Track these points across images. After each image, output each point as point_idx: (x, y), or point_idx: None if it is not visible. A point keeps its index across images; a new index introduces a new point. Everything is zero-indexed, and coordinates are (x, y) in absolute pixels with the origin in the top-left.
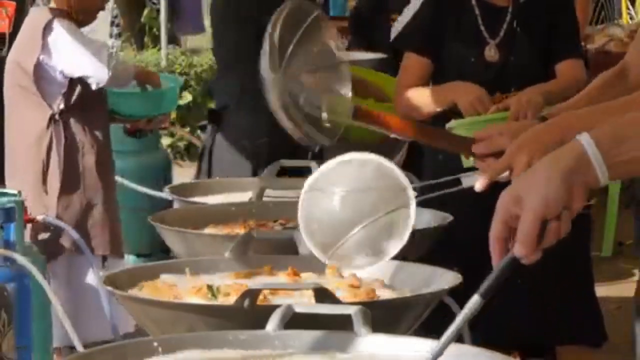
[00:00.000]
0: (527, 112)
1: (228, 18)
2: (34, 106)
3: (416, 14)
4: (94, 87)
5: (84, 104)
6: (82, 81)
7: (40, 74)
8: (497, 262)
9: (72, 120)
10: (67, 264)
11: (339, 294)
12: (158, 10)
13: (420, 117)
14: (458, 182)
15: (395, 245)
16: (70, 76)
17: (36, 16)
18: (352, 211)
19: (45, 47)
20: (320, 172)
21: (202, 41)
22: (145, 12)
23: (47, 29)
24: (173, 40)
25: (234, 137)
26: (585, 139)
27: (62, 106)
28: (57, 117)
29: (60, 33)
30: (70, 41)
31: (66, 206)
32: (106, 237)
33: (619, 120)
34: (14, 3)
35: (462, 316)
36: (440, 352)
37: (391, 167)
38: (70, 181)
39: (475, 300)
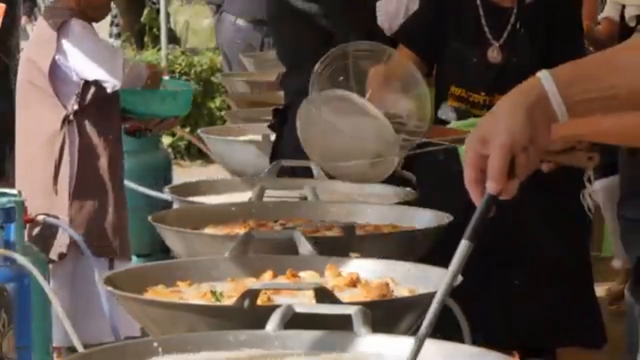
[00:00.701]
0: None
1: (282, 11)
2: (48, 106)
3: (418, 9)
4: (109, 90)
5: (98, 106)
6: (96, 82)
7: (55, 74)
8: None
9: (86, 122)
10: (72, 265)
11: (350, 293)
12: (158, 10)
13: None
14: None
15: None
16: (85, 79)
17: (51, 15)
18: (348, 145)
19: (60, 48)
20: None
21: (201, 41)
22: (145, 12)
23: (62, 29)
24: (173, 40)
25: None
26: (544, 76)
27: (76, 107)
28: (71, 117)
29: (76, 35)
30: (86, 44)
31: (79, 208)
32: (116, 240)
33: (581, 60)
34: (3, 5)
35: (455, 261)
36: (440, 301)
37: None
38: (83, 183)
39: (464, 244)
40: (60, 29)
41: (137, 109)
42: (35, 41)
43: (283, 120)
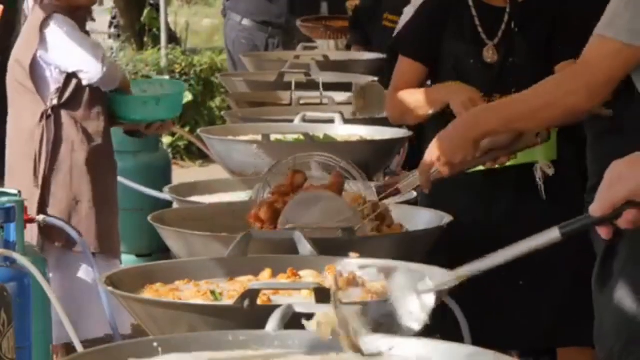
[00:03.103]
0: None
1: None
2: (30, 102)
3: (413, 17)
4: (85, 82)
5: (78, 101)
6: (77, 78)
7: (36, 70)
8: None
9: (64, 117)
10: (58, 261)
11: (355, 293)
12: (158, 10)
13: (414, 120)
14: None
15: None
16: (65, 71)
17: (37, 13)
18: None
19: (42, 42)
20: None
21: (201, 41)
22: (145, 12)
23: (44, 24)
24: (173, 40)
25: None
26: None
27: (55, 102)
28: (49, 112)
29: (57, 28)
30: (66, 36)
31: (53, 201)
32: (92, 235)
33: None
34: (1, 6)
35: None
36: None
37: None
38: (58, 176)
39: (555, 231)
40: (42, 24)
41: (129, 116)
42: (22, 39)
43: None
